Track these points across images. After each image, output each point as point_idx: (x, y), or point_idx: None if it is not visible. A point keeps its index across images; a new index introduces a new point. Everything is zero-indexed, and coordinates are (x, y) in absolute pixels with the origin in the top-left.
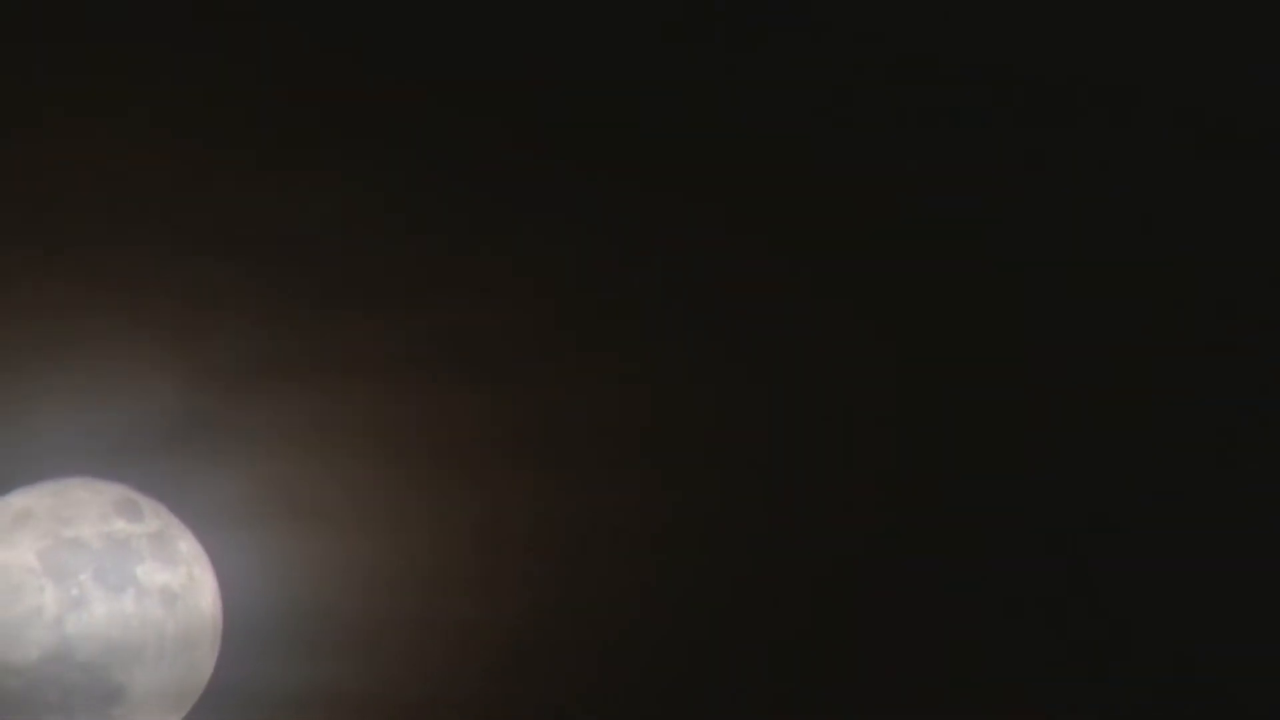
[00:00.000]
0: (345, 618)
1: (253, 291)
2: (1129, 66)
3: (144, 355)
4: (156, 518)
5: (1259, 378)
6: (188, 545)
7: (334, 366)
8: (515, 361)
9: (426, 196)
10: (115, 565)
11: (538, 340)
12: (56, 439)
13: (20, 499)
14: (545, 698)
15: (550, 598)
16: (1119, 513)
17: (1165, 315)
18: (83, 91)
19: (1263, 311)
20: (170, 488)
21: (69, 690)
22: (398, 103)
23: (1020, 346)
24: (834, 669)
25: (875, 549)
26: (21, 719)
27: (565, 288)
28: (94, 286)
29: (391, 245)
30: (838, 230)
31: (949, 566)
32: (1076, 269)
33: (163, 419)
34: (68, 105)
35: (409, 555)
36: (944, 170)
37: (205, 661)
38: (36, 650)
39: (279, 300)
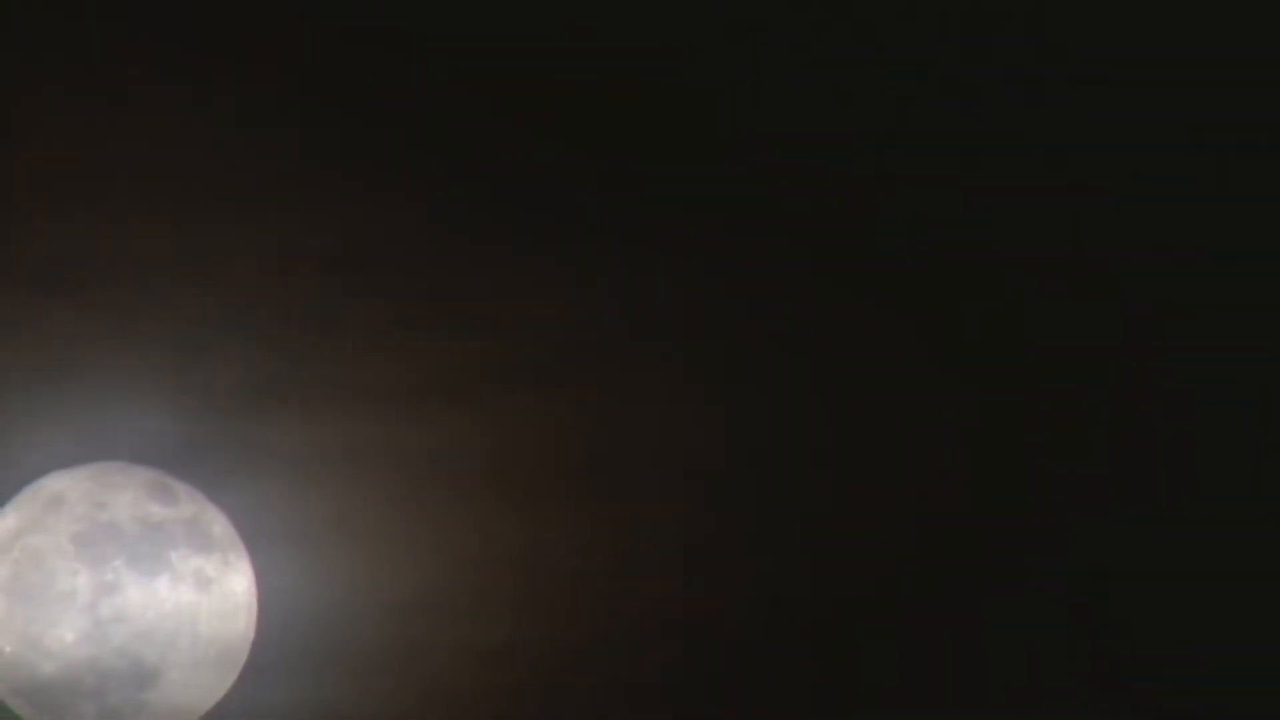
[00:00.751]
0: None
1: (267, 318)
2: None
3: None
4: (191, 502)
5: None
6: (222, 529)
7: (351, 395)
8: (554, 388)
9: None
10: (149, 549)
11: (576, 368)
12: (91, 426)
13: (55, 483)
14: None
15: (583, 624)
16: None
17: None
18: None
19: None
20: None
21: (103, 674)
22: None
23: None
24: (855, 689)
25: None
26: (56, 703)
27: (588, 316)
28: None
29: (397, 279)
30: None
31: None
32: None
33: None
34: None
35: (440, 578)
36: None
37: (240, 645)
38: (71, 634)
39: (295, 328)
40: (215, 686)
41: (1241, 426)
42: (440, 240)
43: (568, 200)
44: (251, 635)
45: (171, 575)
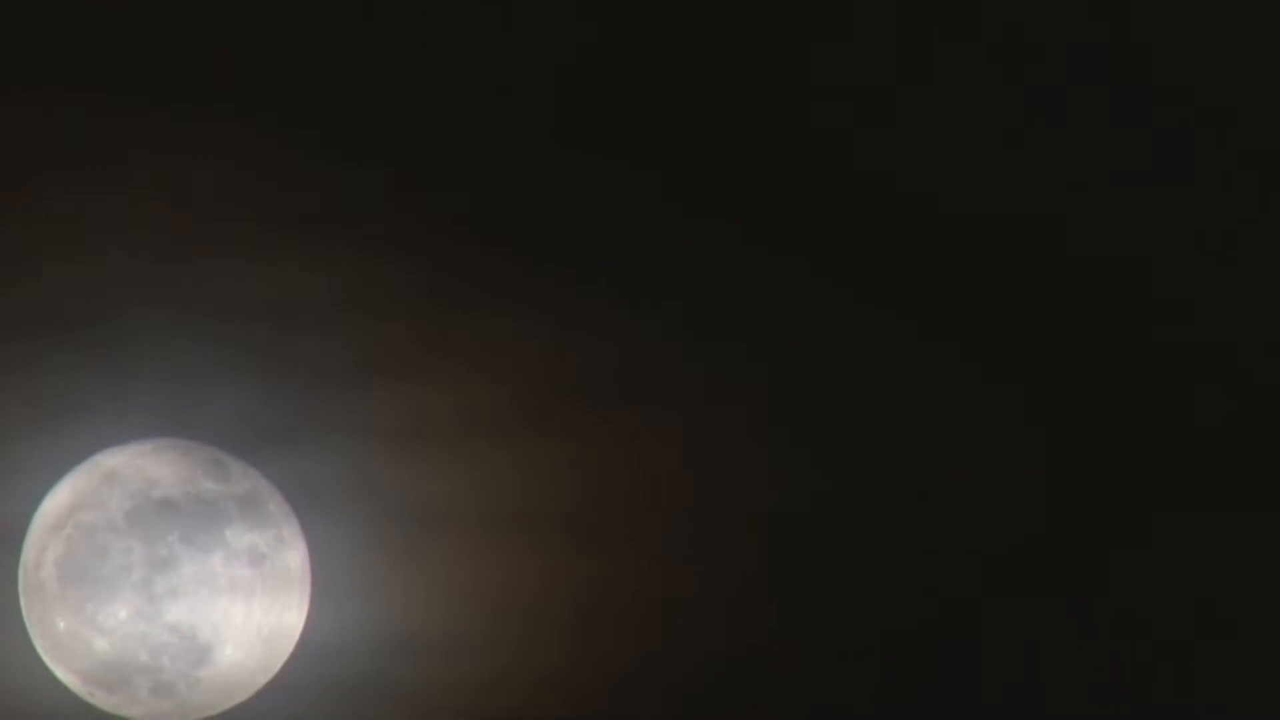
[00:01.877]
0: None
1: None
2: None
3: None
4: (245, 479)
5: None
6: (276, 506)
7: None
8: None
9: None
10: (203, 526)
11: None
12: (146, 403)
13: (109, 459)
14: None
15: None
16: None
17: None
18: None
19: None
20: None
21: (157, 650)
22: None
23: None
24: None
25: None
26: (110, 678)
27: (641, 354)
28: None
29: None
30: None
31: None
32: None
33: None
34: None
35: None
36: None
37: (293, 621)
38: (124, 611)
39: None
40: (269, 662)
41: None
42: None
43: (617, 239)
44: (305, 611)
45: (225, 551)
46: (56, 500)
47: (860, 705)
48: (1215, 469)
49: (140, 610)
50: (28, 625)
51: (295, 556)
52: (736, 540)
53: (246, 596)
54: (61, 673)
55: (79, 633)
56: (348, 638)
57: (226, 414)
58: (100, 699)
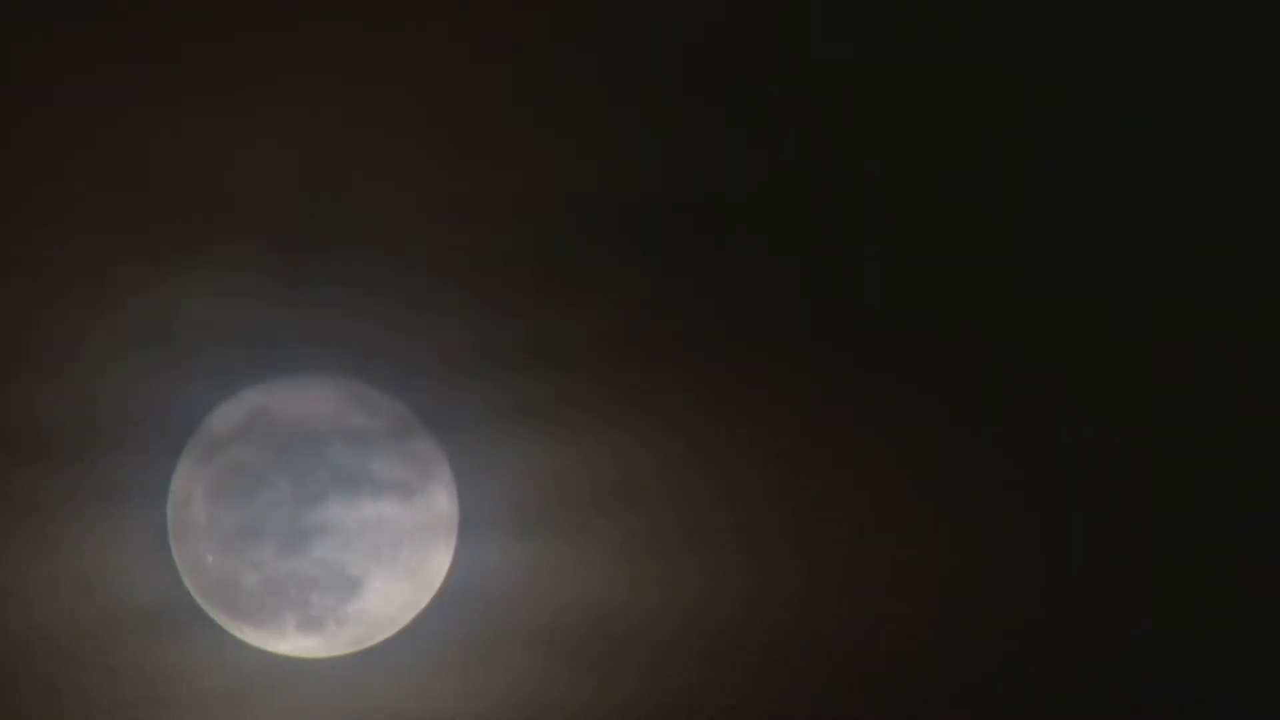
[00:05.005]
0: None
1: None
2: None
3: None
4: (393, 414)
5: None
6: (424, 442)
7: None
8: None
9: None
10: (352, 461)
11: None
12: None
13: (258, 395)
14: None
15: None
16: None
17: None
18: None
19: None
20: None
21: (305, 585)
22: None
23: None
24: None
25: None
26: (258, 613)
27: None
28: None
29: None
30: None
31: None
32: None
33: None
34: None
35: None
36: None
37: (441, 556)
38: (273, 546)
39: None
40: (417, 598)
41: None
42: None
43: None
44: (453, 547)
45: (373, 486)
46: (206, 435)
47: None
48: None
49: (288, 546)
50: (176, 561)
51: (444, 492)
52: None
53: (395, 531)
54: (209, 608)
55: (227, 568)
56: (495, 576)
57: None
58: (248, 634)
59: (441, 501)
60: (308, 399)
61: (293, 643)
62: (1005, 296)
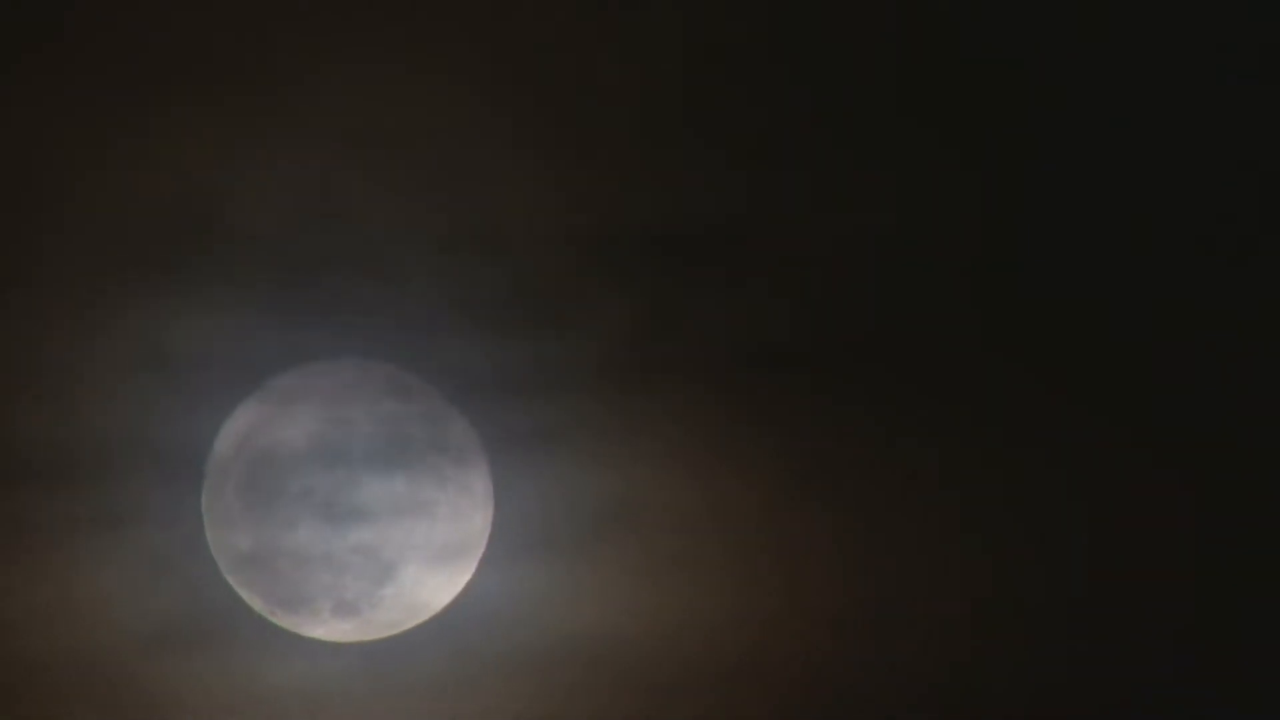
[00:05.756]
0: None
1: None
2: None
3: None
4: (428, 400)
5: None
6: (460, 427)
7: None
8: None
9: None
10: (386, 446)
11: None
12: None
13: (290, 380)
14: None
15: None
16: None
17: None
18: None
19: None
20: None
21: (339, 570)
22: None
23: None
24: None
25: None
26: (293, 598)
27: None
28: None
29: None
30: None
31: None
32: None
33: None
34: None
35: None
36: None
37: (476, 542)
38: (308, 531)
39: None
40: (451, 583)
41: None
42: None
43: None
44: (488, 532)
45: (408, 472)
46: (239, 421)
47: None
48: None
49: (323, 530)
50: (211, 546)
51: (478, 477)
52: None
53: (429, 517)
54: (245, 593)
55: (262, 553)
56: (493, 600)
57: None
58: (282, 619)
59: (476, 483)
60: (341, 383)
61: (328, 627)
62: (1007, 299)
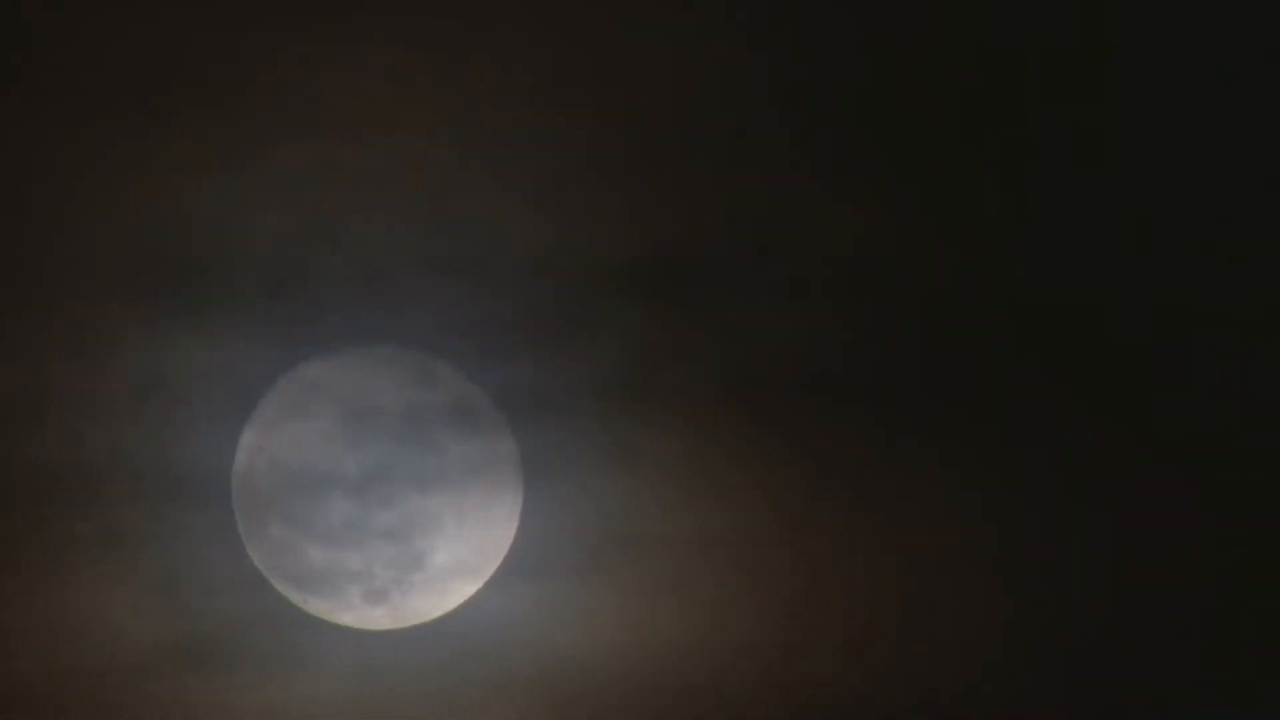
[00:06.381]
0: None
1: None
2: None
3: None
4: (457, 386)
5: None
6: (488, 416)
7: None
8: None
9: None
10: (414, 433)
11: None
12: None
13: (318, 368)
14: None
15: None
16: None
17: None
18: None
19: None
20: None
21: (370, 557)
22: None
23: None
24: None
25: None
26: (323, 586)
27: None
28: None
29: None
30: None
31: None
32: None
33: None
34: None
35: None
36: None
37: (505, 529)
38: (337, 519)
39: None
40: (481, 569)
41: None
42: None
43: None
44: (517, 518)
45: (438, 459)
46: (268, 408)
47: None
48: None
49: (352, 516)
50: (241, 533)
51: (508, 463)
52: None
53: (458, 503)
54: (275, 580)
55: (292, 540)
56: (560, 545)
57: None
58: (313, 606)
59: (506, 470)
60: (370, 370)
61: (359, 614)
62: (1008, 300)
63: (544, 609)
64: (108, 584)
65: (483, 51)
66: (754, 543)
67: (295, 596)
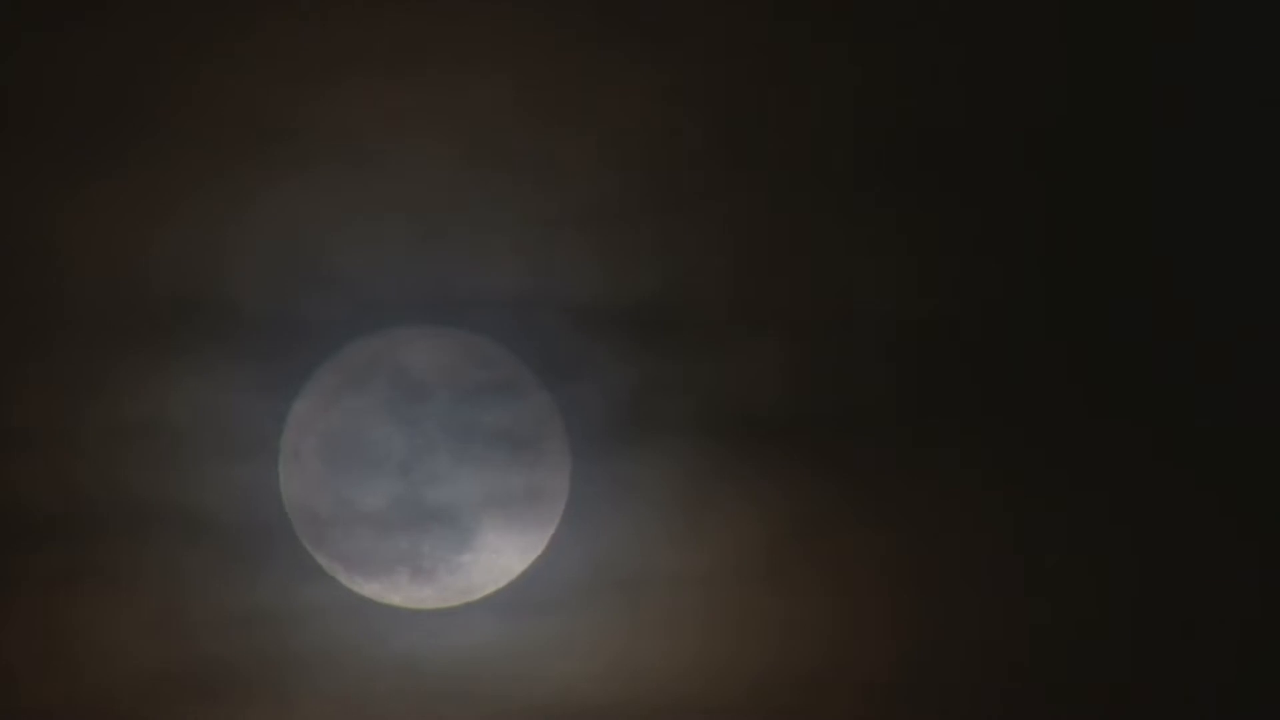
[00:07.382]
0: None
1: None
2: None
3: None
4: (505, 365)
5: None
6: (536, 395)
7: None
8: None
9: None
10: (462, 412)
11: None
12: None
13: (369, 347)
14: None
15: None
16: None
17: None
18: None
19: None
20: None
21: (417, 537)
22: None
23: None
24: None
25: None
26: (371, 566)
27: None
28: None
29: None
30: None
31: None
32: None
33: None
34: None
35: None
36: None
37: (552, 508)
38: (385, 498)
39: None
40: (529, 548)
41: None
42: None
43: None
44: (565, 497)
45: (485, 437)
46: (316, 389)
47: None
48: None
49: (400, 497)
50: (289, 514)
51: (556, 442)
52: None
53: (506, 482)
54: (323, 560)
55: (339, 520)
56: (485, 658)
57: None
58: (361, 586)
59: (554, 448)
60: (418, 349)
61: (406, 594)
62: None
63: (541, 641)
64: (104, 617)
65: (475, 91)
66: (750, 578)
67: (343, 576)
